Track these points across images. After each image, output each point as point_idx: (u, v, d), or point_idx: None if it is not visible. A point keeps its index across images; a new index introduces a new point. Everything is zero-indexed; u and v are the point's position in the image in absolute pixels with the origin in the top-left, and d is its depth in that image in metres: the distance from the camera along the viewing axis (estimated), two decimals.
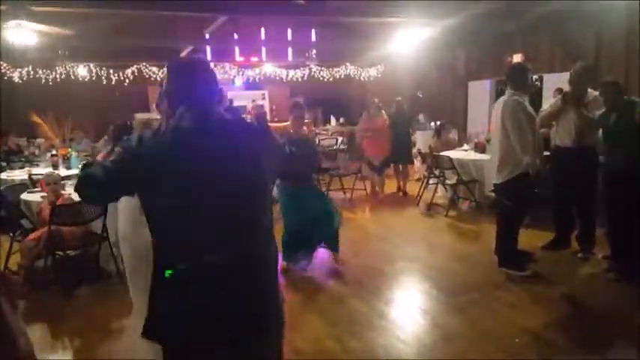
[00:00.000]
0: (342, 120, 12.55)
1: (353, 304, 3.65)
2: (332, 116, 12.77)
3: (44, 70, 9.64)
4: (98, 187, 1.50)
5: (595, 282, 3.90)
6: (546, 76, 8.31)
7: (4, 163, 6.55)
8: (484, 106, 9.99)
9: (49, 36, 6.92)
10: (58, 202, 3.76)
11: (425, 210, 6.42)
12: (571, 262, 4.29)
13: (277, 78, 12.30)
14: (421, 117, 10.71)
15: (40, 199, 4.05)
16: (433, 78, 11.79)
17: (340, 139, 9.43)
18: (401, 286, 4.09)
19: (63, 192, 3.95)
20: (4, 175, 5.52)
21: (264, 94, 14.35)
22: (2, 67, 9.25)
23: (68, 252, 3.96)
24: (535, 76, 9.30)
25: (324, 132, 11.21)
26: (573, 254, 4.39)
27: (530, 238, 4.66)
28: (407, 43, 9.60)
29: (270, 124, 12.75)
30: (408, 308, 3.59)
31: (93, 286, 3.98)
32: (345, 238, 4.63)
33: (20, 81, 9.57)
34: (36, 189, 4.45)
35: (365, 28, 10.42)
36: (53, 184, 3.82)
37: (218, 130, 1.51)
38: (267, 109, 14.05)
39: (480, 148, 6.30)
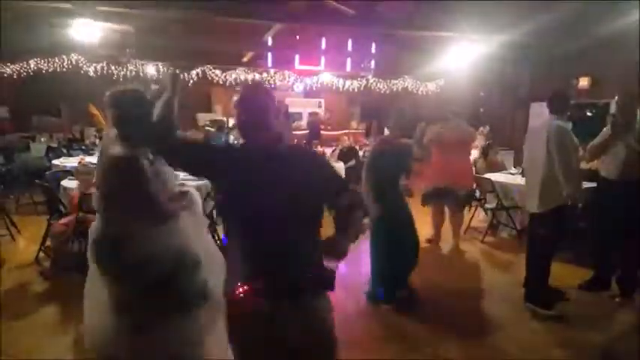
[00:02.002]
0: None
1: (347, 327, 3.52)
2: (386, 128, 12.58)
3: (116, 67, 10.36)
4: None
5: (633, 331, 3.46)
6: (614, 102, 7.62)
7: (64, 150, 7.11)
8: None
9: (115, 34, 7.42)
10: (88, 191, 3.98)
11: (461, 233, 6.08)
12: (607, 306, 3.87)
13: (334, 87, 12.36)
14: (480, 138, 10.28)
15: (75, 187, 4.31)
16: (494, 96, 11.29)
17: None
18: (409, 314, 3.72)
19: (95, 182, 4.18)
20: (57, 162, 5.96)
21: (320, 103, 14.49)
22: (79, 62, 10.04)
23: None
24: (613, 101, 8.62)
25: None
26: (612, 297, 3.96)
27: (568, 275, 4.31)
28: (465, 58, 9.27)
29: (322, 132, 12.88)
30: (412, 339, 3.36)
31: None
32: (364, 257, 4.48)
33: (95, 75, 10.33)
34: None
35: (425, 42, 10.19)
36: (85, 174, 4.06)
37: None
38: (322, 117, 14.18)
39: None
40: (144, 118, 2.20)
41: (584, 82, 8.61)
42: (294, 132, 13.11)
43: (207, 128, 11.68)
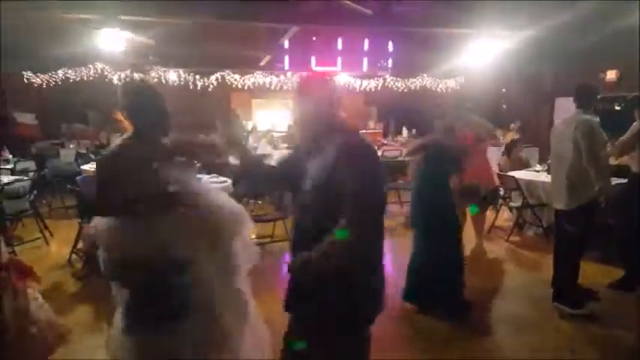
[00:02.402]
0: (414, 132, 12.26)
1: None
2: (404, 127, 12.52)
3: (139, 75, 10.59)
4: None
5: None
6: None
7: (92, 156, 7.30)
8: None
9: (138, 43, 7.59)
10: None
11: (485, 232, 6.00)
12: (638, 305, 3.76)
13: (351, 87, 12.35)
14: (499, 133, 10.12)
15: None
16: (516, 92, 11.11)
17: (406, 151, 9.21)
18: (433, 310, 3.67)
19: None
20: (87, 167, 6.14)
21: None
22: (105, 70, 10.32)
23: None
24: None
25: (393, 143, 11.03)
26: None
27: (597, 274, 4.23)
28: (486, 55, 9.13)
29: None
30: (436, 337, 3.35)
31: None
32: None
33: (119, 83, 10.59)
34: None
35: (443, 39, 10.10)
36: None
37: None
38: None
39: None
40: (148, 109, 2.20)
41: (611, 75, 8.41)
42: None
43: None
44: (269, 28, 9.42)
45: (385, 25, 8.29)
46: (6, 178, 5.27)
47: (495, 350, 3.18)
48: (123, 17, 6.15)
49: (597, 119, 3.54)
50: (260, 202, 6.83)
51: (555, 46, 9.05)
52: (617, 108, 8.63)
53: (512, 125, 9.22)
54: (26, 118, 10.22)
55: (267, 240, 5.22)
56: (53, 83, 10.35)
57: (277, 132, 12.02)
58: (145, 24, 7.48)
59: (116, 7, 6.11)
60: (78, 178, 4.89)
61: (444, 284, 3.59)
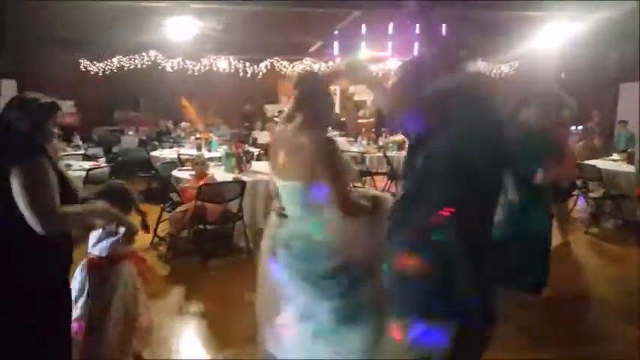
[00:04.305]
0: None
1: None
2: None
3: (191, 62, 10.70)
4: None
5: None
6: None
7: (156, 142, 7.45)
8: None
9: (200, 30, 7.61)
10: (202, 182, 4.15)
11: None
12: None
13: None
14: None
15: (188, 177, 4.49)
16: (576, 77, 10.63)
17: None
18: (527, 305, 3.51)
19: (207, 172, 4.37)
20: (156, 153, 6.27)
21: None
22: (157, 58, 10.47)
23: (208, 226, 4.36)
24: None
25: None
26: None
27: None
28: (550, 40, 8.75)
29: None
30: (532, 333, 3.21)
31: (226, 259, 4.33)
32: None
33: (171, 70, 10.73)
34: (184, 167, 4.97)
35: (502, 23, 9.72)
36: (201, 164, 4.23)
37: None
38: None
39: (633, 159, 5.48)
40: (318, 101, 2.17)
41: None
42: (359, 121, 13.03)
43: (276, 119, 11.90)
44: (323, 13, 9.27)
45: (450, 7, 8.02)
46: (86, 164, 5.42)
47: (593, 347, 3.02)
48: (192, 5, 6.17)
49: None
50: None
51: (625, 27, 8.57)
52: None
53: (594, 112, 8.96)
54: (66, 106, 10.39)
55: None
56: (108, 71, 10.59)
57: None
58: (203, 12, 7.50)
59: None
60: (159, 164, 4.98)
61: None
